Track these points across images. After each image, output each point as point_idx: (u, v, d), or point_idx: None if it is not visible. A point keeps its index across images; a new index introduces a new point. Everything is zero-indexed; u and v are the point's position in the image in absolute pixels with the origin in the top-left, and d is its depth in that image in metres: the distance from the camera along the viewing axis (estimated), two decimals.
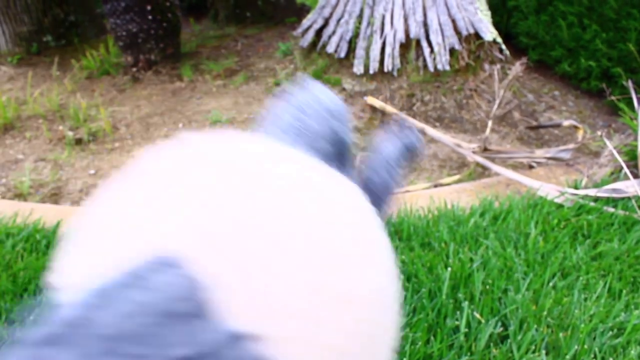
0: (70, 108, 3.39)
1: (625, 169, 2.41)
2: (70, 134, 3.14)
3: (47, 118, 3.40)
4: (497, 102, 2.86)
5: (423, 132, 2.95)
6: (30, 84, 3.76)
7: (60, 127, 3.26)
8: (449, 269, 1.77)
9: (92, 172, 2.83)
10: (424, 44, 3.40)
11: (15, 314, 1.61)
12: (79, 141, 3.11)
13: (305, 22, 3.79)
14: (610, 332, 1.57)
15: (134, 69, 4.00)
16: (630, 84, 2.84)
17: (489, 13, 3.65)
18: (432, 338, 1.51)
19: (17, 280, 1.76)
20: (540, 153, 2.66)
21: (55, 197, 2.62)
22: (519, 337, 1.53)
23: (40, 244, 1.97)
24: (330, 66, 3.60)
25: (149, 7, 3.86)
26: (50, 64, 4.25)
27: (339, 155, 0.60)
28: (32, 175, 2.80)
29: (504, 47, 3.62)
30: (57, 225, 2.11)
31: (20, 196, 2.62)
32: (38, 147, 3.09)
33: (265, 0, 5.25)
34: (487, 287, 1.71)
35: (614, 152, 2.48)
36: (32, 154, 3.02)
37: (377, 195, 0.70)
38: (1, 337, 1.52)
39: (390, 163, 0.72)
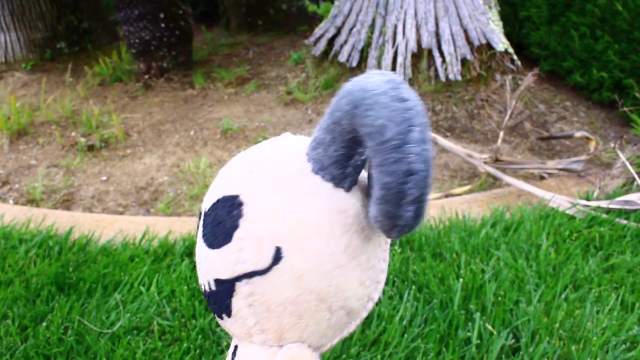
0: (82, 114, 3.42)
1: (638, 181, 2.39)
2: (82, 140, 3.16)
3: (60, 124, 3.43)
4: (509, 112, 2.85)
5: (434, 142, 2.95)
6: (43, 90, 3.80)
7: (73, 134, 3.29)
8: (461, 279, 1.76)
9: (104, 178, 2.85)
10: (436, 53, 3.41)
11: (28, 320, 1.62)
12: (91, 147, 3.14)
13: (317, 31, 3.81)
14: (623, 346, 1.56)
15: (146, 76, 4.03)
16: None
17: (500, 23, 3.65)
18: (443, 349, 1.51)
19: (30, 286, 1.78)
20: (551, 164, 2.65)
21: (67, 203, 2.64)
22: (531, 350, 1.52)
23: (53, 250, 1.98)
24: (342, 75, 3.62)
25: (161, 15, 3.90)
26: (63, 70, 4.30)
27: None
28: (45, 181, 2.82)
29: (515, 57, 3.62)
30: (70, 231, 2.13)
31: (32, 202, 2.65)
32: (51, 153, 3.12)
33: (276, 9, 5.28)
34: (499, 298, 1.70)
35: (627, 163, 2.47)
36: (44, 159, 3.05)
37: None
38: (14, 344, 1.53)
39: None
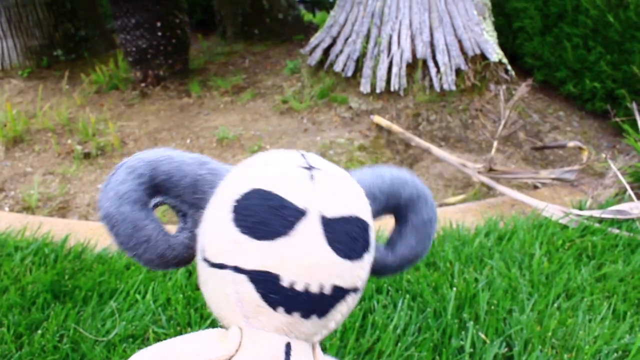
0: (79, 122, 3.43)
1: (630, 191, 2.42)
2: (78, 147, 3.17)
3: (56, 132, 3.44)
4: (503, 122, 2.88)
5: (429, 152, 2.97)
6: (40, 98, 3.81)
7: (69, 141, 3.30)
8: (454, 288, 1.78)
9: (100, 186, 2.86)
10: (431, 63, 3.44)
11: (23, 327, 1.63)
12: (87, 155, 3.14)
13: (313, 41, 3.83)
14: (615, 354, 1.58)
15: (143, 84, 4.05)
16: (634, 106, 2.87)
17: (494, 34, 3.69)
18: (437, 358, 1.52)
19: (25, 293, 1.78)
20: (545, 174, 2.68)
21: (62, 210, 2.65)
22: (524, 358, 1.53)
23: (49, 257, 1.99)
24: (337, 85, 3.64)
25: (158, 24, 3.92)
26: (60, 77, 4.31)
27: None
28: (40, 188, 2.82)
29: (509, 67, 3.65)
30: (65, 239, 2.13)
31: (28, 209, 2.65)
32: (47, 160, 3.13)
33: (273, 18, 5.31)
34: (492, 307, 1.71)
35: (618, 173, 2.49)
36: (40, 167, 3.06)
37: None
38: (9, 352, 1.53)
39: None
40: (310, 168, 0.76)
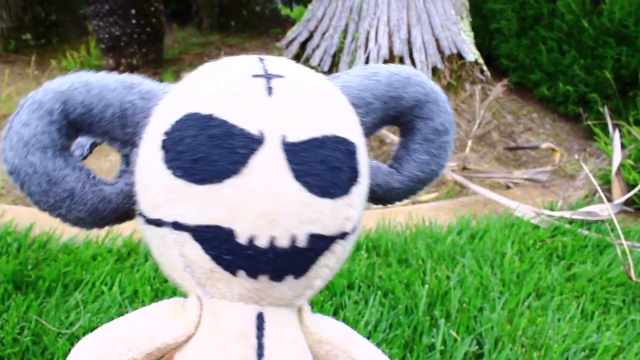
0: None
1: (600, 193, 2.45)
2: None
3: None
4: (477, 122, 2.89)
5: None
6: (6, 83, 3.70)
7: None
8: (426, 286, 1.77)
9: None
10: (407, 61, 3.44)
11: None
12: None
13: (290, 34, 3.80)
14: (583, 353, 1.59)
15: (115, 73, 3.96)
16: (606, 110, 2.91)
17: (471, 34, 3.70)
18: (408, 355, 1.51)
19: None
20: (517, 174, 2.70)
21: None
22: (494, 356, 1.53)
23: (11, 246, 1.92)
24: None
25: (133, 11, 3.84)
26: (28, 62, 4.19)
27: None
28: (5, 175, 2.73)
29: (485, 68, 3.68)
30: (30, 228, 2.07)
31: None
32: None
33: (250, 10, 5.26)
34: (463, 305, 1.71)
35: (590, 175, 2.52)
36: None
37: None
38: None
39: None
40: (268, 76, 0.56)
